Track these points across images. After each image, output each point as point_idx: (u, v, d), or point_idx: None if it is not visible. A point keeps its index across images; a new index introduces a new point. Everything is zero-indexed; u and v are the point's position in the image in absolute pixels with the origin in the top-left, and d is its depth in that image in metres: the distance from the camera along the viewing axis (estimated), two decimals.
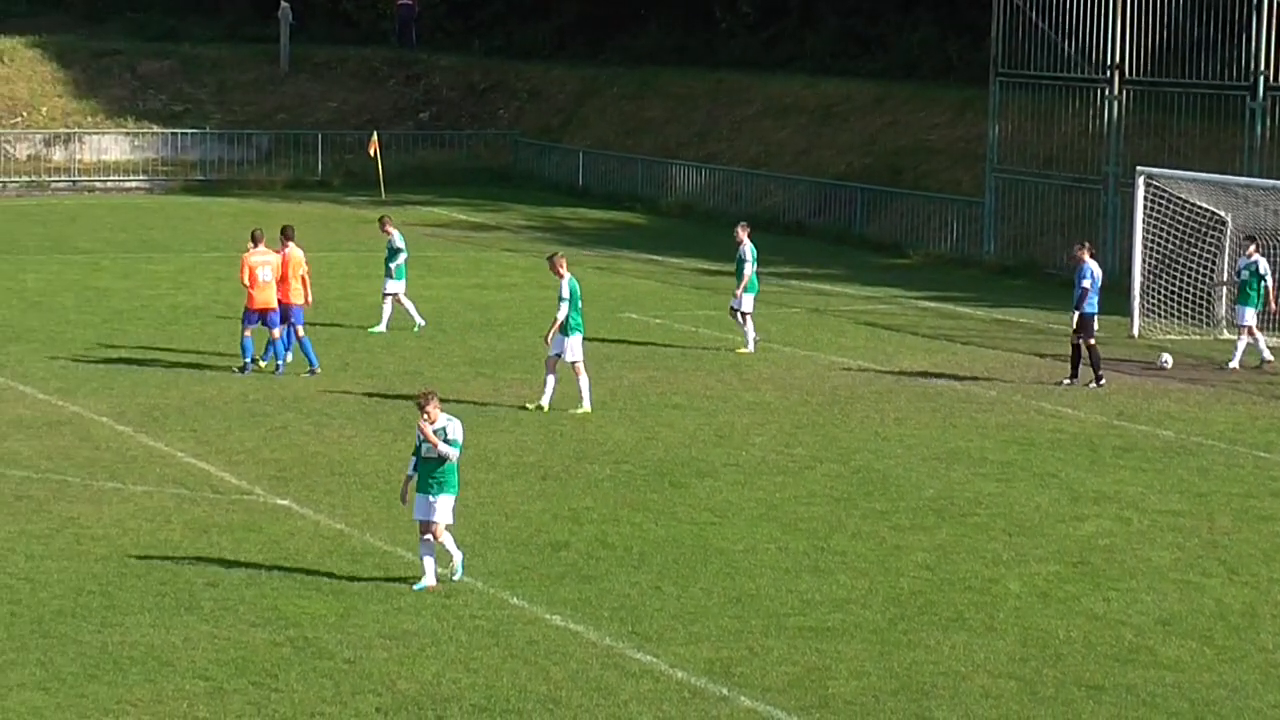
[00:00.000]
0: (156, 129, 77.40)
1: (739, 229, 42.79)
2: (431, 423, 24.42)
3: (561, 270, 35.71)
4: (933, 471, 31.87)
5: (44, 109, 77.83)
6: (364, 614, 23.61)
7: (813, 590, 25.10)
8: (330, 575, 25.16)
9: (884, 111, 67.91)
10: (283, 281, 38.62)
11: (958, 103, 65.43)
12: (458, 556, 24.84)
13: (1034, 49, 56.39)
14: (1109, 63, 54.52)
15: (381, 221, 45.53)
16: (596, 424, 34.56)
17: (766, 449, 33.17)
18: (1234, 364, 41.09)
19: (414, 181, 72.80)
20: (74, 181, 74.13)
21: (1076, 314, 38.51)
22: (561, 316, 35.30)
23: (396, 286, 43.83)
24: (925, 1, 72.50)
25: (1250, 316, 41.33)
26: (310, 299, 39.25)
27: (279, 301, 38.35)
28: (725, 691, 21.27)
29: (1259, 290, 41.28)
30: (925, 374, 40.10)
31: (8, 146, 75.41)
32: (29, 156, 75.54)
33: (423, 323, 43.40)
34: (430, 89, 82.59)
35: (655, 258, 57.73)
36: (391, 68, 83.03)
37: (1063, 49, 55.63)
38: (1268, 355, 41.65)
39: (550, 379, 35.72)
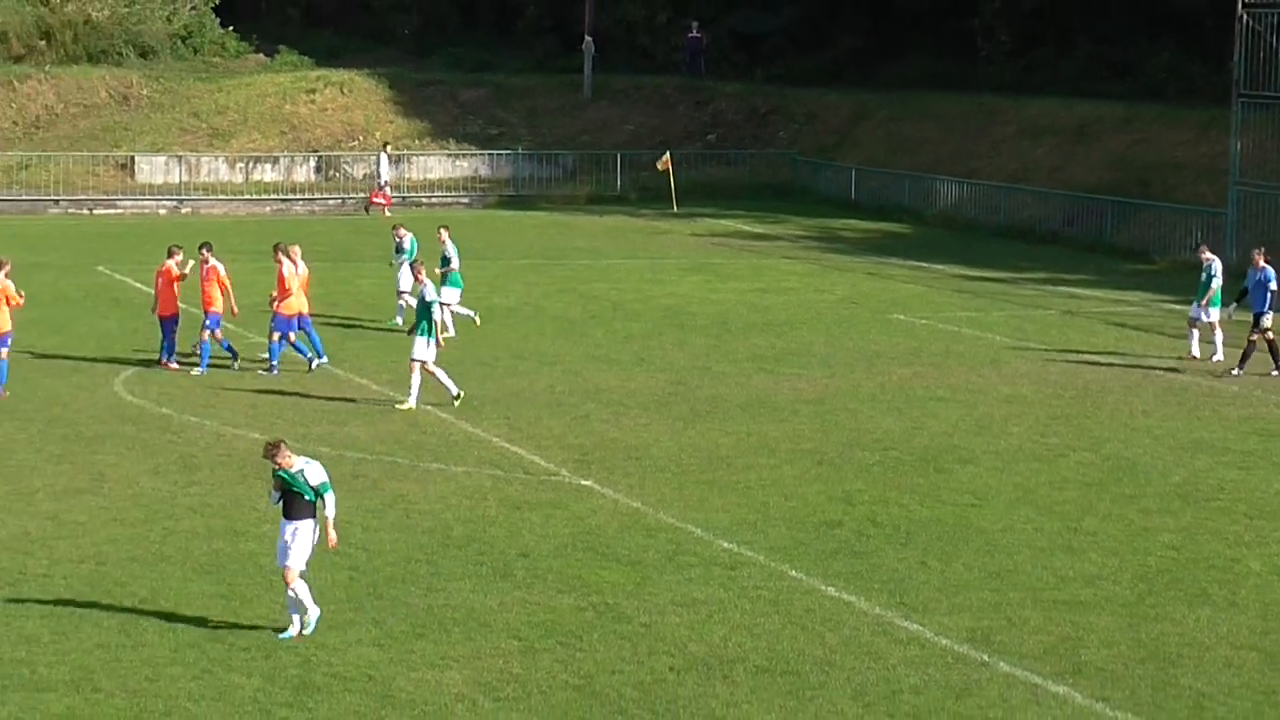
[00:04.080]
0: (474, 150, 78.29)
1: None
2: (287, 469, 21.32)
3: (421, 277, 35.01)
4: (1178, 459, 31.34)
5: (377, 133, 79.02)
6: (658, 583, 23.69)
7: (1066, 567, 24.81)
8: (628, 548, 25.27)
9: (1132, 130, 66.97)
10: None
11: (1201, 121, 64.39)
12: (314, 613, 21.55)
13: (1273, 71, 55.47)
14: None
15: (395, 229, 45.10)
16: (867, 414, 34.38)
17: (1023, 438, 32.82)
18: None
19: (701, 196, 72.90)
20: (403, 197, 75.14)
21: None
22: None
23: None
24: (1170, 29, 71.56)
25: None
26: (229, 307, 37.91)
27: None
28: (985, 658, 21.09)
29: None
30: (1171, 370, 39.45)
31: (347, 167, 76.71)
32: (365, 175, 76.76)
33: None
34: (717, 113, 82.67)
35: (920, 264, 57.32)
36: (682, 94, 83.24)
37: None
38: (1195, 351, 40.71)
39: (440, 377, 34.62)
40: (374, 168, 73.12)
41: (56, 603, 22.23)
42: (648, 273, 54.45)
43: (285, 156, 76.27)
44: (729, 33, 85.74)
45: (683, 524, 26.52)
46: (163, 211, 70.93)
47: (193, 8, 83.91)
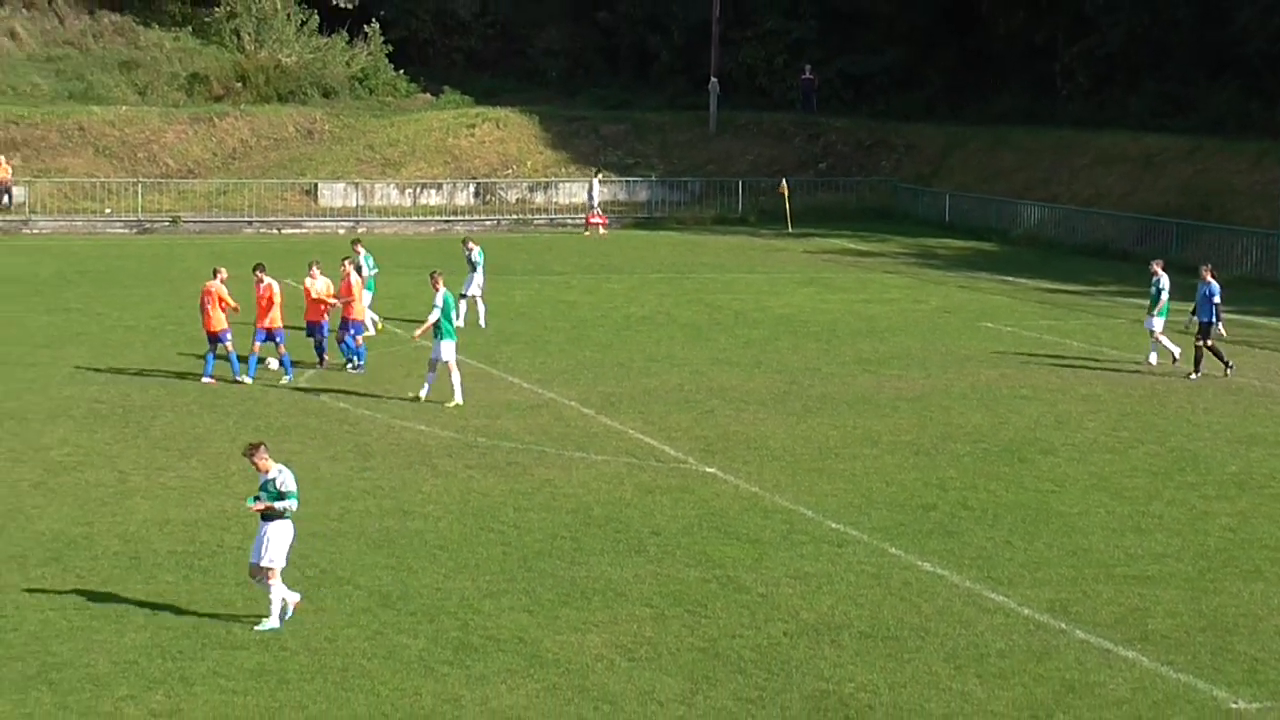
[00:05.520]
0: (614, 177, 78.41)
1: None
2: (262, 473, 20.31)
3: (438, 286, 34.11)
4: (1235, 452, 30.93)
5: (528, 162, 79.31)
6: (774, 558, 23.61)
7: (1135, 546, 24.52)
8: (747, 527, 25.21)
9: (1195, 160, 66.26)
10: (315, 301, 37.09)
11: (1256, 152, 63.74)
12: (281, 604, 20.40)
13: None
14: None
15: (354, 243, 42.81)
16: (959, 410, 34.13)
17: (1097, 432, 32.49)
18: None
19: (813, 218, 72.71)
20: (550, 218, 75.41)
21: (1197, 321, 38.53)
22: (431, 320, 33.59)
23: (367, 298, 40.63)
24: (1230, 69, 70.79)
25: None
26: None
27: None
28: (1063, 626, 20.88)
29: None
30: (1229, 372, 38.93)
31: (501, 192, 77.02)
32: (517, 199, 77.09)
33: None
34: (827, 145, 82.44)
35: (1007, 278, 56.87)
36: (796, 128, 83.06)
37: None
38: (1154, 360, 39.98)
39: (431, 375, 34.12)
40: (587, 194, 73.66)
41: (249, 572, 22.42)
42: (765, 285, 54.32)
43: (448, 183, 76.70)
44: (838, 73, 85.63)
45: (795, 506, 26.43)
46: (341, 231, 71.43)
47: (369, 54, 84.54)
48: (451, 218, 74.27)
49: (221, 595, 21.39)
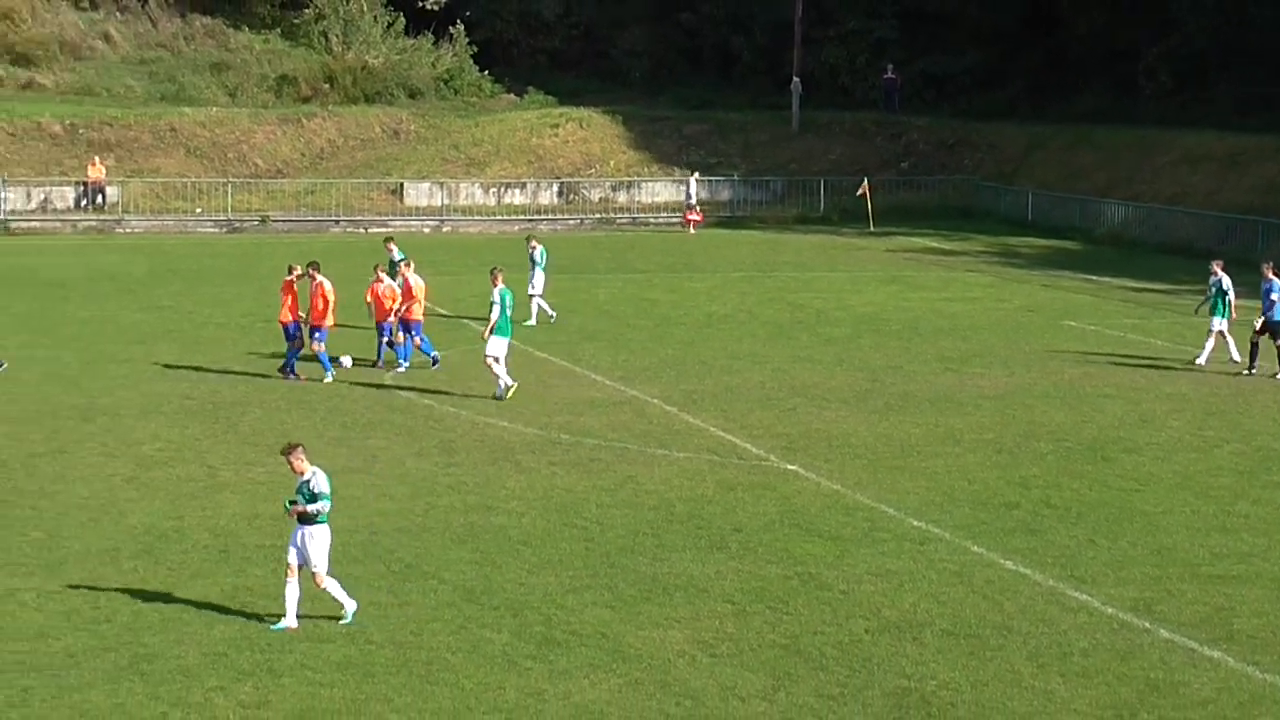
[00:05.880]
0: (697, 176, 78.33)
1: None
2: (298, 474, 20.17)
3: (497, 282, 34.30)
4: None
5: (611, 162, 79.32)
6: (855, 555, 23.50)
7: (1220, 545, 24.26)
8: (828, 525, 25.10)
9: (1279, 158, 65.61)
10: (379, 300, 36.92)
11: None
12: (349, 605, 20.45)
13: None
14: None
15: (386, 241, 42.97)
16: (1042, 409, 33.88)
17: (1182, 431, 32.18)
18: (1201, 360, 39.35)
19: (895, 217, 72.36)
20: (633, 218, 75.39)
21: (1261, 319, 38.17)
22: (494, 318, 33.92)
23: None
24: None
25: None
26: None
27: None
28: (1147, 625, 20.68)
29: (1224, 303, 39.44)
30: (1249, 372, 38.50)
31: (585, 191, 77.09)
32: (600, 198, 77.12)
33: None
34: (909, 144, 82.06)
35: (1090, 277, 56.44)
36: (878, 128, 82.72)
37: None
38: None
39: (499, 370, 34.23)
40: (684, 191, 73.68)
41: (335, 565, 22.49)
42: (847, 284, 54.13)
43: (531, 182, 76.82)
44: (920, 73, 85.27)
45: (877, 504, 26.30)
46: (426, 230, 71.71)
47: (454, 55, 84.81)
48: (535, 217, 74.37)
49: (309, 588, 21.46)
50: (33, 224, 69.06)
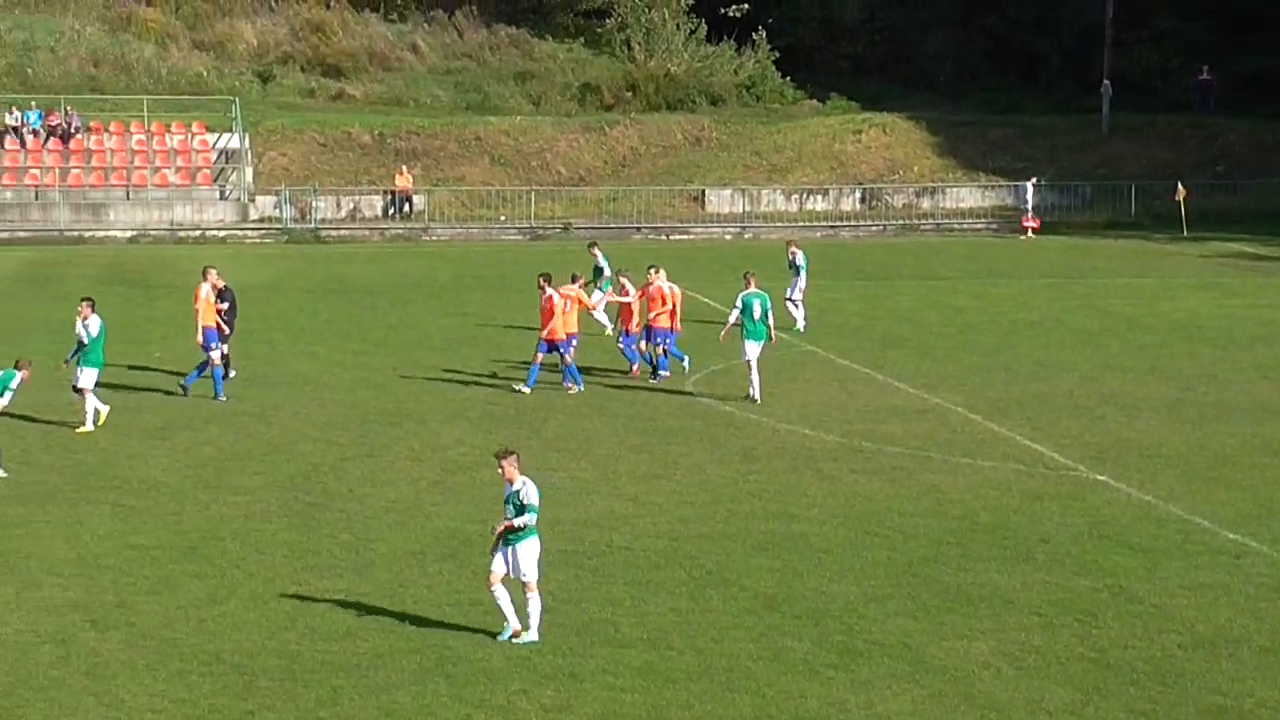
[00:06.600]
0: (1001, 182, 77.53)
1: None
2: (508, 482, 19.72)
3: (750, 285, 34.66)
4: None
5: (915, 168, 78.85)
6: (1167, 568, 22.95)
7: None
8: (1139, 537, 24.56)
9: None
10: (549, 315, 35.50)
11: None
12: (513, 623, 19.90)
13: None
14: None
15: (590, 246, 43.89)
16: None
17: None
18: None
19: (1210, 222, 70.68)
20: (937, 224, 74.83)
21: None
22: (732, 320, 34.42)
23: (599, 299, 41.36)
24: None
25: None
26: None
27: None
28: None
29: None
30: None
31: (888, 197, 76.73)
32: (903, 204, 76.72)
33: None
34: (1224, 147, 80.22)
35: None
36: (1191, 130, 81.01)
37: None
38: None
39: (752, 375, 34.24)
40: (1022, 197, 73.29)
41: (636, 571, 22.69)
42: (1159, 290, 52.99)
43: (834, 189, 76.70)
44: (1235, 74, 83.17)
45: (1190, 516, 25.65)
46: (728, 237, 72.02)
47: (756, 61, 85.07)
48: (837, 223, 74.23)
49: (610, 593, 21.67)
50: (342, 232, 70.98)
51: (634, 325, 37.47)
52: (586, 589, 21.89)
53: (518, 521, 19.56)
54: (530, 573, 19.73)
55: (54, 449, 30.02)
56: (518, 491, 19.62)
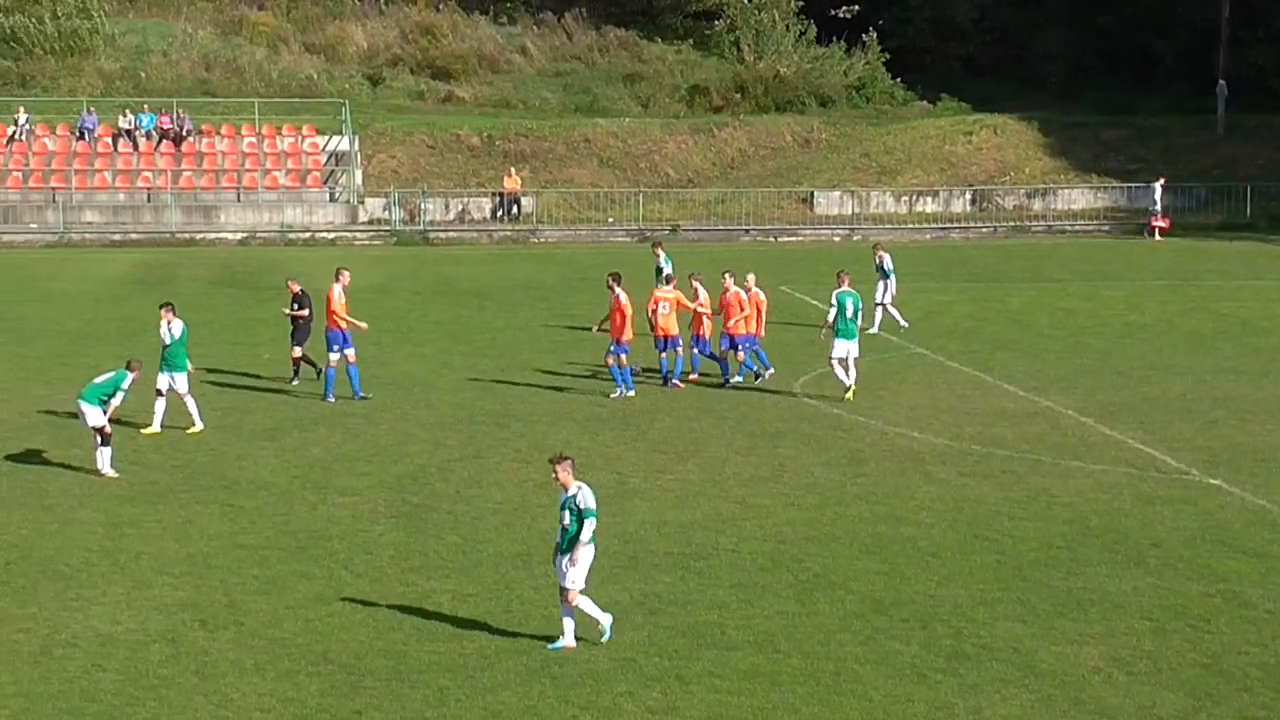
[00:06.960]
0: (1114, 183, 76.93)
1: None
2: (563, 488, 19.39)
3: (843, 284, 34.78)
4: None
5: (1026, 169, 78.35)
6: None
7: None
8: (1254, 541, 24.27)
9: None
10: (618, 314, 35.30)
11: None
12: (605, 620, 19.84)
13: None
14: None
15: (654, 246, 43.81)
16: None
17: None
18: None
19: None
20: (1049, 225, 74.31)
21: None
22: (831, 318, 34.63)
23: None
24: None
25: None
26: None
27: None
28: None
29: None
30: None
31: (999, 199, 76.26)
32: (1014, 206, 76.25)
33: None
34: None
35: None
36: None
37: None
38: None
39: (840, 373, 34.62)
40: (1151, 198, 72.86)
41: (743, 574, 22.67)
42: (1274, 293, 52.38)
43: (944, 190, 76.36)
44: None
45: None
46: (837, 239, 71.85)
47: (866, 62, 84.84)
48: (947, 225, 73.89)
49: (716, 596, 21.66)
50: (451, 234, 71.37)
51: (704, 330, 37.24)
52: (693, 591, 21.88)
53: (584, 535, 19.29)
54: (577, 581, 19.51)
55: (164, 449, 30.38)
56: (573, 497, 19.38)
